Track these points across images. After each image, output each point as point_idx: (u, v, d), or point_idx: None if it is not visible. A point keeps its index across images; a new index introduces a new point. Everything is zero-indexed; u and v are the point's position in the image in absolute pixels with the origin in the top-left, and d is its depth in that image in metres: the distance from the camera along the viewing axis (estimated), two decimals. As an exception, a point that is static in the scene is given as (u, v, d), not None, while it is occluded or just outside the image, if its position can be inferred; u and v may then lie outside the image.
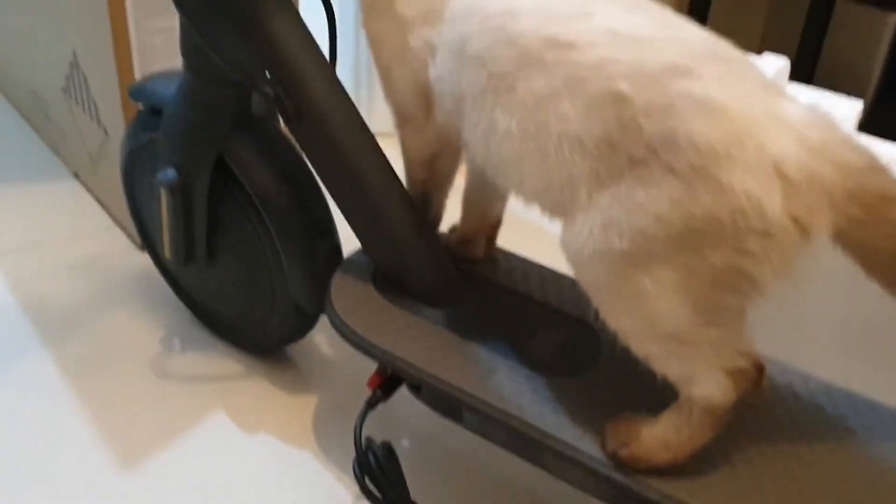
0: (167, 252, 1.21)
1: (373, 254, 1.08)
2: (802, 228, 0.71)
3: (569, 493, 0.97)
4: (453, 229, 1.14)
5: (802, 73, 1.89)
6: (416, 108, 0.98)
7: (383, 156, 1.03)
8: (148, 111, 1.21)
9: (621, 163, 0.76)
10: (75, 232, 1.61)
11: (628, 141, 0.75)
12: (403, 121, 1.01)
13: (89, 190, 1.71)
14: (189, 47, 1.04)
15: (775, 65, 1.16)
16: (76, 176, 1.76)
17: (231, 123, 1.09)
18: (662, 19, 0.80)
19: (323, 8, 1.06)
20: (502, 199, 1.11)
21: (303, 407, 1.24)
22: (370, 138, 1.02)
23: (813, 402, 0.94)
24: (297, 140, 1.03)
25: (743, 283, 0.74)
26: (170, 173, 1.13)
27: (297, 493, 1.10)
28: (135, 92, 1.23)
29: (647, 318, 0.79)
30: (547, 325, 1.04)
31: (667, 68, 0.74)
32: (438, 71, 0.91)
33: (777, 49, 2.21)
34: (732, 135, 0.71)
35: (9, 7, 1.78)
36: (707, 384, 0.81)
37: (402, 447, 1.16)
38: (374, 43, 0.98)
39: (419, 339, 1.00)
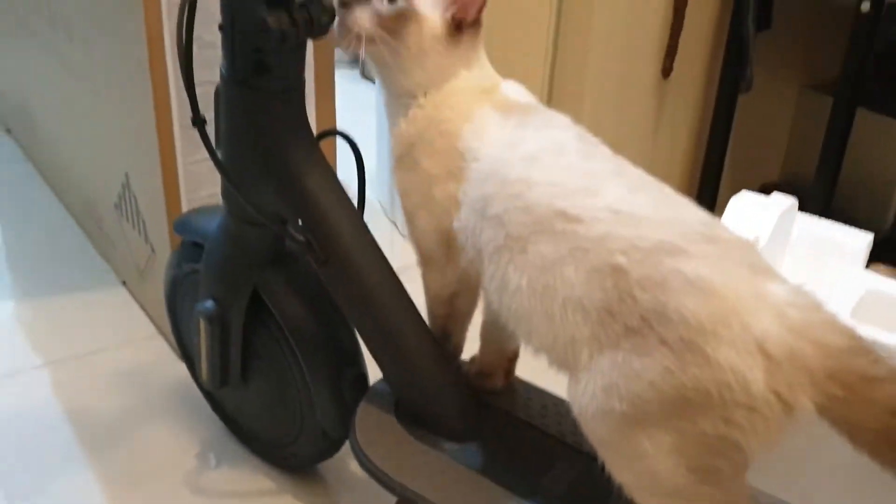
0: (204, 375, 1.28)
1: (394, 385, 1.13)
2: (784, 403, 0.76)
3: None
4: (473, 361, 1.19)
5: (824, 188, 1.92)
6: (438, 251, 1.05)
7: (405, 295, 1.09)
8: (190, 244, 1.30)
9: (619, 330, 0.82)
10: (121, 340, 1.69)
11: (625, 311, 0.81)
12: (426, 261, 1.08)
13: (136, 298, 1.80)
14: (227, 193, 1.12)
15: (784, 204, 1.21)
16: (124, 283, 1.85)
17: (265, 261, 1.17)
18: (662, 199, 0.88)
19: (354, 157, 1.14)
20: (518, 337, 1.16)
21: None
22: (393, 280, 1.09)
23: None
24: (325, 279, 1.10)
25: (732, 450, 0.79)
26: (209, 304, 1.21)
27: None
28: (179, 226, 1.32)
29: (647, 476, 0.84)
30: (562, 460, 1.08)
31: (661, 246, 0.80)
32: (462, 223, 0.99)
33: (797, 172, 2.27)
34: (720, 313, 0.77)
35: (70, 117, 1.91)
36: None
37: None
38: (402, 192, 1.06)
39: (436, 475, 1.04)
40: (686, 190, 2.18)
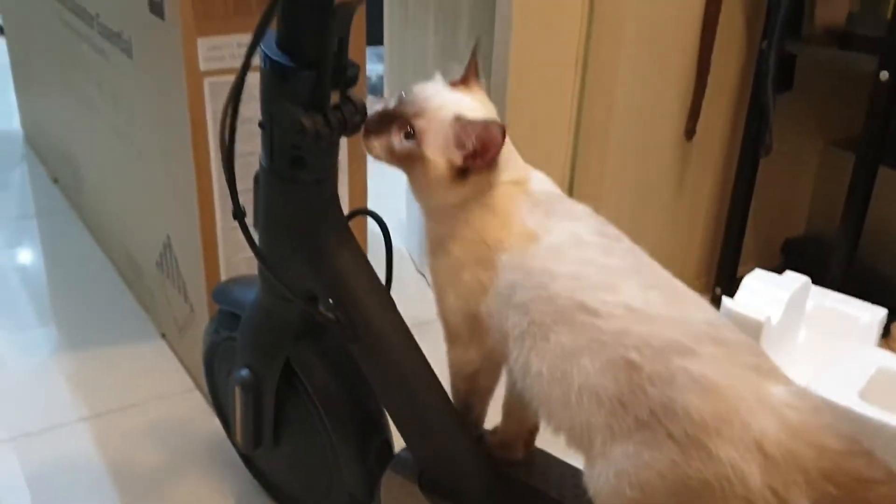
0: (238, 437, 1.34)
1: (418, 457, 1.19)
2: (780, 499, 0.81)
3: None
4: (494, 431, 1.24)
5: (847, 241, 1.95)
6: (464, 330, 1.10)
7: (430, 370, 1.15)
8: (228, 312, 1.37)
9: (630, 422, 0.87)
10: (160, 393, 1.76)
11: (636, 403, 0.87)
12: (452, 338, 1.13)
13: (175, 352, 1.88)
14: (262, 272, 1.19)
15: (795, 283, 1.25)
16: (163, 336, 1.93)
17: (298, 333, 1.23)
18: (674, 298, 0.94)
19: (382, 236, 1.21)
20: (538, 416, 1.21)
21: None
22: (418, 356, 1.14)
23: None
24: (354, 354, 1.16)
25: None
26: (244, 373, 1.27)
27: None
28: (217, 295, 1.39)
29: None
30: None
31: (671, 345, 0.86)
32: (489, 308, 1.04)
33: (823, 226, 2.30)
34: (722, 412, 0.82)
35: (115, 174, 2.00)
36: None
37: None
38: (433, 273, 1.12)
39: None
40: (710, 247, 2.23)
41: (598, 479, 0.92)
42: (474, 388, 1.16)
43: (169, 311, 1.84)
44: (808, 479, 0.80)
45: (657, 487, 0.86)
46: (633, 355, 0.88)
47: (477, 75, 1.11)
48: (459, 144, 1.01)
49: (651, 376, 0.86)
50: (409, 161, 1.03)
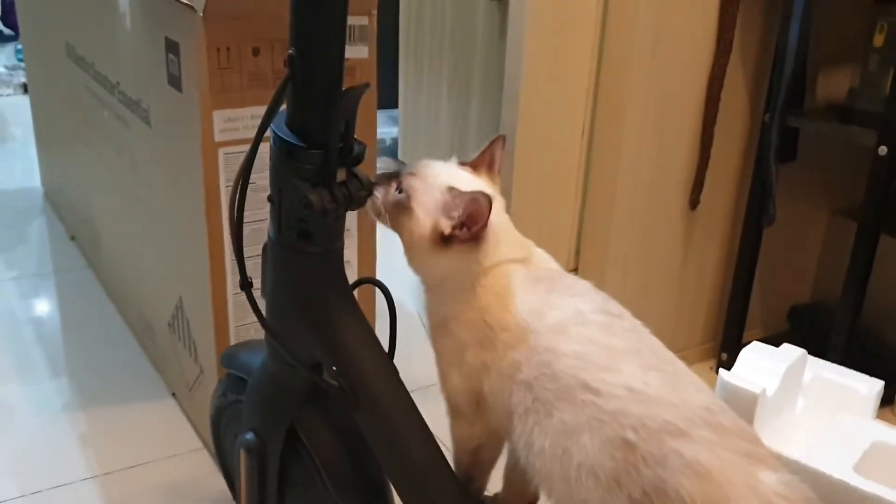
0: (242, 502, 1.36)
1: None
2: None
3: None
4: (494, 498, 1.26)
5: (851, 308, 1.97)
6: (467, 408, 1.13)
7: (431, 439, 1.16)
8: (236, 376, 1.40)
9: (624, 500, 0.89)
10: (168, 453, 1.78)
11: (630, 482, 0.89)
12: (455, 414, 1.16)
13: (184, 411, 1.91)
14: (269, 339, 1.22)
15: (792, 355, 1.27)
16: (174, 395, 1.96)
17: (302, 399, 1.26)
18: (674, 380, 0.96)
19: (387, 304, 1.24)
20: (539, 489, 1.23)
21: None
22: (420, 424, 1.16)
23: None
24: (356, 419, 1.18)
25: None
26: (249, 437, 1.30)
27: None
28: (226, 360, 1.42)
29: None
30: None
31: (666, 427, 0.89)
32: (492, 387, 1.07)
33: (828, 293, 2.32)
34: (713, 497, 0.84)
35: (130, 235, 2.05)
36: None
37: None
38: (437, 352, 1.15)
39: None
40: (716, 314, 2.25)
41: None
42: (477, 462, 1.18)
43: (179, 370, 1.87)
44: None
45: None
46: (630, 435, 0.90)
47: (491, 166, 1.15)
48: (447, 212, 1.05)
49: (645, 456, 0.88)
50: (398, 215, 1.08)
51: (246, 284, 1.07)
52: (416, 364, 1.16)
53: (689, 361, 2.26)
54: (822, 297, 2.41)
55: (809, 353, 2.06)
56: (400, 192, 1.08)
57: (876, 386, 1.30)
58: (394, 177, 1.10)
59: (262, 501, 1.36)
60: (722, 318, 2.24)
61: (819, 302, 2.42)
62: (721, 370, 1.20)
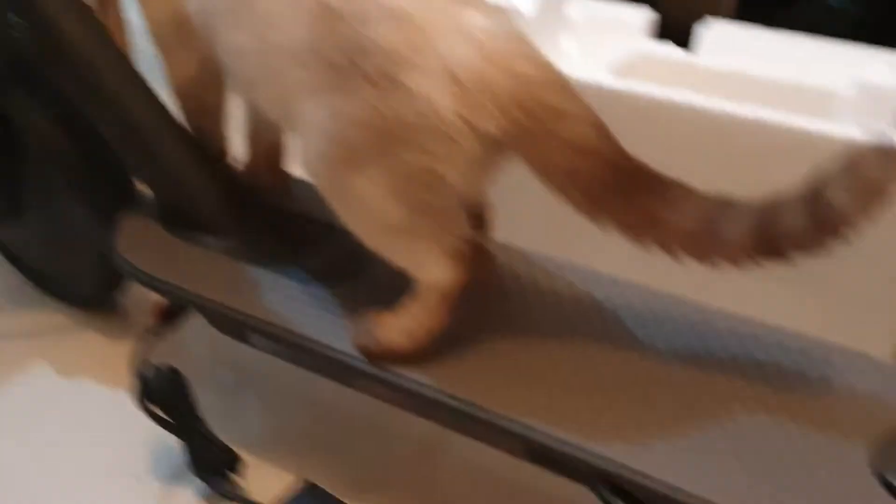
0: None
1: (155, 191, 1.10)
2: (472, 128, 0.76)
3: (352, 397, 1.00)
4: (245, 169, 1.16)
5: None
6: (173, 37, 1.02)
7: (153, 95, 1.05)
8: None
9: (326, 72, 0.81)
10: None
11: (332, 49, 0.80)
12: (164, 52, 1.05)
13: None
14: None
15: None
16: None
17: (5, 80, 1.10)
18: None
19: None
20: (279, 129, 1.13)
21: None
22: (136, 78, 1.04)
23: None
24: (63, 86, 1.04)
25: (436, 181, 0.80)
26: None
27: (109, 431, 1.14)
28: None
29: (368, 215, 0.85)
30: (325, 240, 1.06)
31: None
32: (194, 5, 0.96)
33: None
34: (414, 41, 0.76)
35: None
36: (432, 268, 0.86)
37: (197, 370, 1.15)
38: None
39: (205, 270, 1.03)
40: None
41: (306, 150, 0.86)
42: (200, 107, 1.08)
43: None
44: (499, 105, 0.75)
45: (357, 139, 0.80)
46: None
47: None
48: None
49: (347, 17, 0.79)
50: None
51: None
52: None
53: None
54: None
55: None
56: None
57: (645, 15, 1.23)
58: None
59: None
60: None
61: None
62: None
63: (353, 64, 0.78)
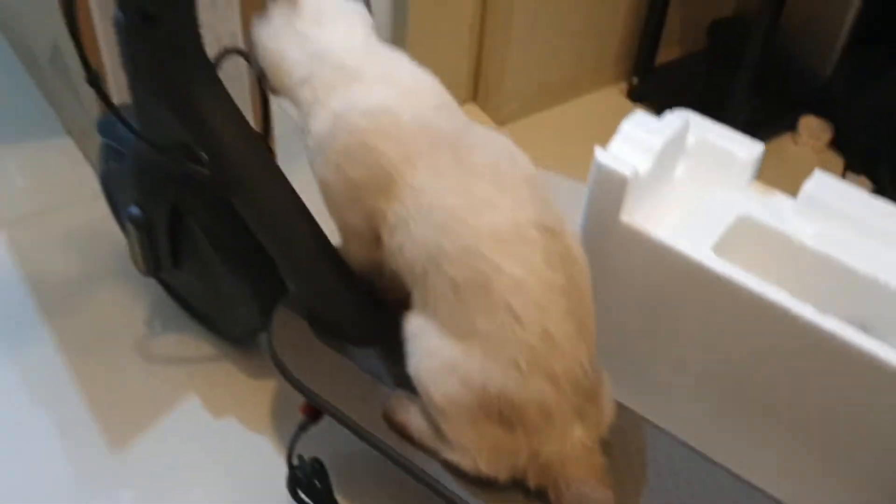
0: (136, 263, 1.38)
1: (304, 301, 1.23)
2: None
3: None
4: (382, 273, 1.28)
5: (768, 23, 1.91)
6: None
7: (310, 217, 1.17)
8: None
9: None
10: (70, 198, 1.77)
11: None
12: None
13: (83, 152, 1.86)
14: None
15: (677, 122, 1.25)
16: (69, 134, 1.90)
17: (178, 180, 1.22)
18: None
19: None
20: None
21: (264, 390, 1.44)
22: (294, 202, 1.16)
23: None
24: (234, 206, 1.17)
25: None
26: (134, 210, 1.29)
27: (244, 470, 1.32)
28: (101, 128, 1.36)
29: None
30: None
31: None
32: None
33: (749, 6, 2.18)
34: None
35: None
36: None
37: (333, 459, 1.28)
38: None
39: (345, 383, 1.16)
40: (632, 32, 2.16)
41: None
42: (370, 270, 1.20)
43: (71, 112, 1.80)
44: None
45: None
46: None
47: None
48: None
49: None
50: None
51: (94, 77, 1.00)
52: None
53: (600, 85, 2.23)
54: (745, 8, 2.33)
55: (722, 70, 2.03)
56: None
57: (756, 149, 1.30)
58: None
59: (154, 265, 1.38)
60: (639, 32, 2.16)
61: (741, 15, 2.35)
62: (597, 150, 1.18)
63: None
